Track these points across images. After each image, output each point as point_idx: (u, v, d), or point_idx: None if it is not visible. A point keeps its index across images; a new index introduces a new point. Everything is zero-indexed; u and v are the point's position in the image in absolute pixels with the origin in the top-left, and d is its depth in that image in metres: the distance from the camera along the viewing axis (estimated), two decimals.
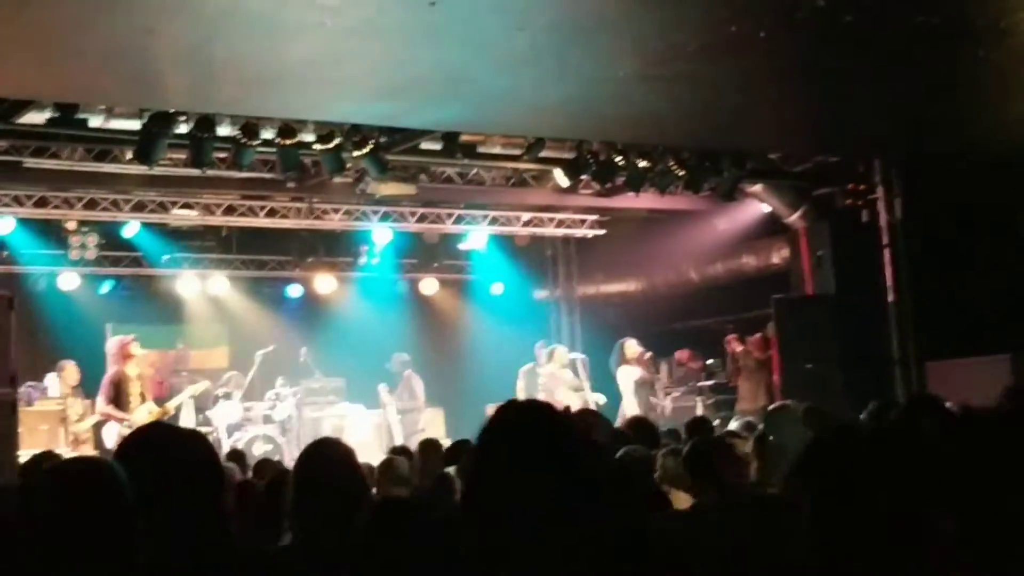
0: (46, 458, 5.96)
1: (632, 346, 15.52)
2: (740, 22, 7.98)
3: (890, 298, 14.26)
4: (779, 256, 15.95)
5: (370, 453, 13.68)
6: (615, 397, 15.32)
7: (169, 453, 3.04)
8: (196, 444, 3.19)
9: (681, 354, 17.13)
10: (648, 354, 15.67)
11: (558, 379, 15.94)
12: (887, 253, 14.35)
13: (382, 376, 16.31)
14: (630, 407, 14.83)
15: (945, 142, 12.18)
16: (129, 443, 3.18)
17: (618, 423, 10.11)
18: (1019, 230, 12.99)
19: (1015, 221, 12.95)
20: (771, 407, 8.85)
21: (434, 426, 16.01)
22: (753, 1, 7.82)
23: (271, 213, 15.55)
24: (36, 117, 11.04)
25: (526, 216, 17.28)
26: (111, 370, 13.08)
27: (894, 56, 9.20)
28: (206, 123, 11.33)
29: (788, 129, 11.94)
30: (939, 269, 13.46)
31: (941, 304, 13.40)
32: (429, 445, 8.92)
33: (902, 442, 2.44)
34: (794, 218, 14.99)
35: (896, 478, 2.34)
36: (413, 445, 10.33)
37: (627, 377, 15.34)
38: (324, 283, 18.27)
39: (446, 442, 10.25)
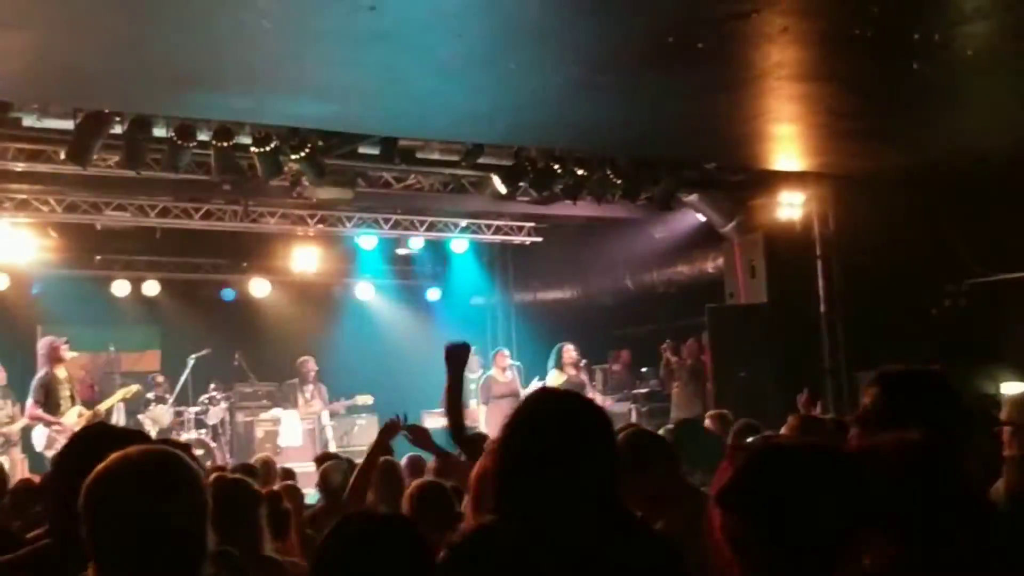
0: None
1: (569, 352, 15.60)
2: (677, 33, 8.04)
3: (822, 308, 14.43)
4: (713, 265, 16.07)
5: (303, 458, 13.66)
6: None
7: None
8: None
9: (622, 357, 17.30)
10: (583, 361, 15.74)
11: (494, 383, 16.00)
12: (819, 264, 14.52)
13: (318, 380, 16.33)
14: None
15: (879, 157, 12.34)
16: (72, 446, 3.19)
17: None
18: (952, 245, 13.20)
19: (946, 236, 13.15)
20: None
21: (368, 432, 15.94)
22: (690, 12, 7.88)
23: (206, 215, 15.41)
24: None
25: (464, 222, 17.28)
26: (40, 372, 12.93)
27: (831, 71, 9.32)
28: (141, 124, 11.22)
29: (724, 140, 12.03)
30: (870, 280, 13.63)
31: (872, 315, 13.57)
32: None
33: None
34: (729, 228, 15.12)
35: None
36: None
37: (552, 381, 15.39)
38: (259, 287, 18.16)
39: None
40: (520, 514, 2.88)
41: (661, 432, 9.09)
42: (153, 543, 2.63)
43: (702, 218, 15.59)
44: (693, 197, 15.02)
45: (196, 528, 2.71)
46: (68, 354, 13.09)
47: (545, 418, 3.00)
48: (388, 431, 6.90)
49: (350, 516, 3.07)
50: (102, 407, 13.49)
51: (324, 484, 7.80)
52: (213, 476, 4.85)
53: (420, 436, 6.91)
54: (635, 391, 16.66)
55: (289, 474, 9.03)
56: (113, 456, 2.76)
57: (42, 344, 13.32)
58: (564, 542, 2.80)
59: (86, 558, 2.79)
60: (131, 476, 2.69)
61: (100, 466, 2.72)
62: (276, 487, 7.18)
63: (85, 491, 2.68)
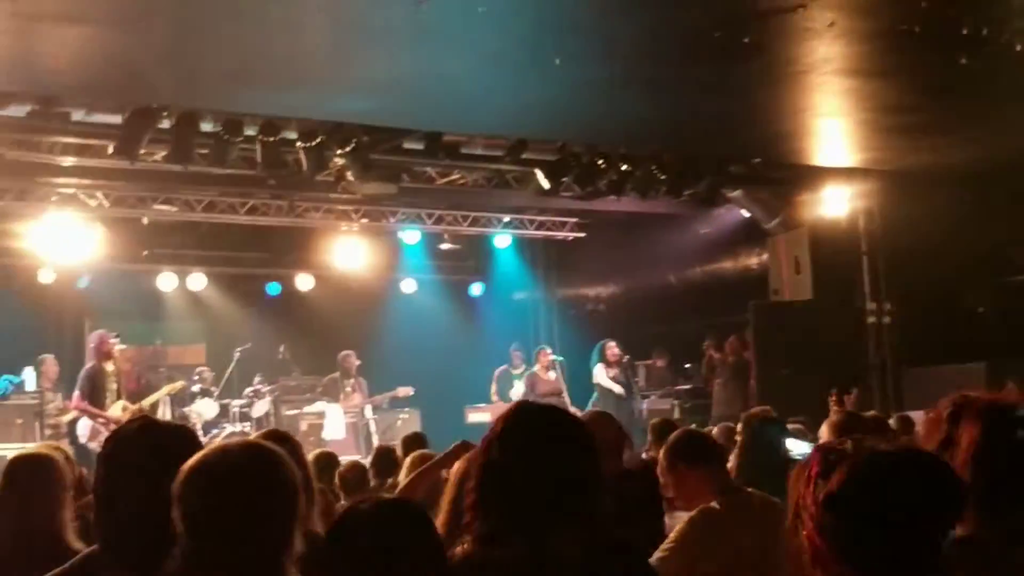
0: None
1: (612, 348, 15.60)
2: (723, 27, 8.03)
3: (867, 305, 14.34)
4: (758, 261, 16.00)
5: (346, 452, 13.72)
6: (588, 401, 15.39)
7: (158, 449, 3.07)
8: (184, 439, 3.21)
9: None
10: (626, 357, 15.72)
11: (538, 381, 16.02)
12: (865, 260, 14.44)
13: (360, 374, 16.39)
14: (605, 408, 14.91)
15: (926, 152, 12.26)
16: (117, 438, 3.22)
17: None
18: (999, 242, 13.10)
19: (993, 232, 13.03)
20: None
21: (410, 427, 16.00)
22: (736, 7, 7.87)
23: (252, 210, 15.49)
24: (17, 110, 11.01)
25: (507, 217, 17.29)
26: (88, 364, 13.04)
27: (878, 66, 9.27)
28: (189, 119, 11.31)
29: (770, 135, 11.99)
30: (916, 277, 13.54)
31: (917, 312, 13.49)
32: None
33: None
34: (773, 224, 15.05)
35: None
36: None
37: (602, 375, 15.47)
38: (303, 281, 18.26)
39: None
40: (499, 540, 2.86)
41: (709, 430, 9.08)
42: (242, 539, 2.68)
43: (746, 214, 15.52)
44: (738, 193, 14.95)
45: (286, 528, 2.75)
46: (117, 348, 13.21)
47: (521, 439, 2.96)
48: (460, 451, 6.73)
49: (359, 501, 3.09)
50: (147, 402, 13.59)
51: (342, 483, 7.81)
52: None
53: None
54: (677, 387, 16.62)
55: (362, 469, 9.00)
56: (214, 447, 2.83)
57: (93, 337, 13.44)
58: (543, 571, 2.79)
59: (131, 561, 2.85)
60: (228, 470, 2.74)
61: (200, 455, 2.79)
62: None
63: (183, 477, 2.73)
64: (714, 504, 4.87)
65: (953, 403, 2.94)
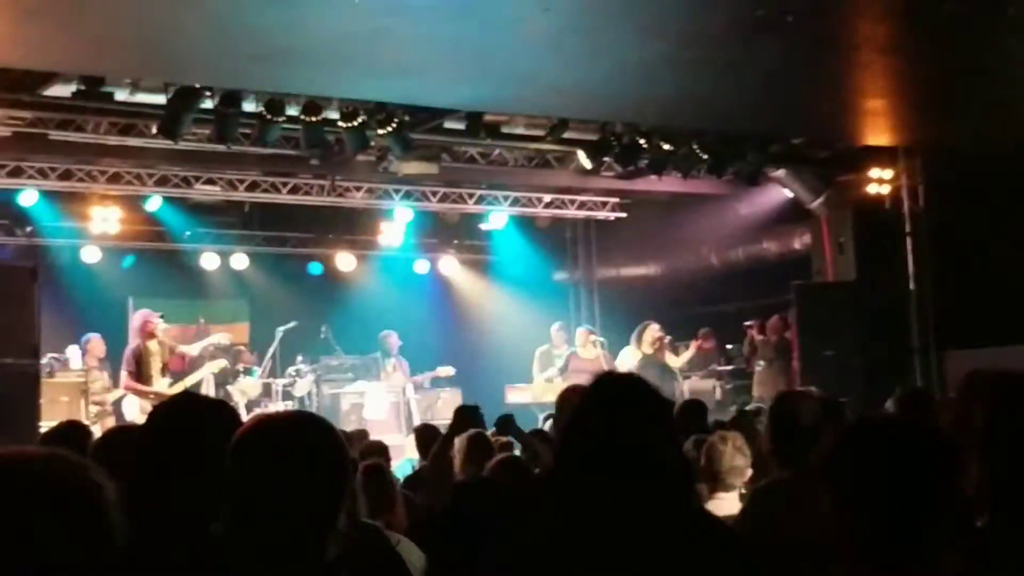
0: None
1: (653, 330, 15.46)
2: (766, 6, 7.96)
3: (911, 286, 14.23)
4: (800, 242, 15.91)
5: (387, 431, 13.78)
6: None
7: (198, 422, 3.09)
8: (223, 413, 3.22)
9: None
10: (667, 339, 15.62)
11: (579, 360, 15.97)
12: (909, 241, 14.32)
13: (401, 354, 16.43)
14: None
15: (971, 132, 12.14)
16: (159, 412, 3.24)
17: None
18: None
19: None
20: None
21: (451, 406, 15.99)
22: None
23: (294, 190, 15.58)
24: (62, 90, 11.11)
25: (548, 197, 17.25)
26: (132, 344, 13.12)
27: (923, 44, 9.17)
28: (231, 99, 11.36)
29: (813, 114, 11.90)
30: (960, 258, 13.42)
31: (962, 293, 13.37)
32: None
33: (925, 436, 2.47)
34: (816, 204, 14.95)
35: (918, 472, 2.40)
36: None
37: (628, 357, 15.29)
38: (345, 261, 18.31)
39: None
40: (575, 508, 2.88)
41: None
42: (288, 510, 2.69)
43: (789, 194, 15.42)
44: (780, 172, 14.87)
45: (333, 503, 2.77)
46: (161, 328, 13.30)
47: (596, 408, 2.98)
48: (459, 427, 6.80)
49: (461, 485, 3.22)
50: (190, 380, 13.68)
51: None
52: None
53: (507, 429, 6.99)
54: (719, 368, 16.56)
55: (382, 449, 9.05)
56: (263, 415, 2.91)
57: (136, 317, 13.53)
58: (622, 544, 2.79)
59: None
60: (279, 439, 2.76)
61: (250, 423, 2.83)
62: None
63: (233, 445, 2.75)
64: (778, 479, 4.81)
65: (965, 382, 2.90)
